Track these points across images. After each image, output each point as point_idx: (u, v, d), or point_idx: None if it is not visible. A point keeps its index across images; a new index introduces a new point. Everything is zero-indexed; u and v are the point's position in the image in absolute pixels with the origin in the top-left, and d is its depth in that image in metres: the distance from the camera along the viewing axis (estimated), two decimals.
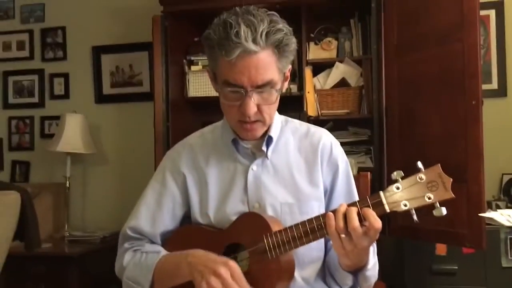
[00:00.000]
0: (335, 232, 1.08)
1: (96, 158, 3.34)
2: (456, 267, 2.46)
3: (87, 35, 3.42)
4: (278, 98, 1.24)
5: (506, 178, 2.77)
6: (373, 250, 1.21)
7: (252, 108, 1.18)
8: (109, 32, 3.38)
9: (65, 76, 3.46)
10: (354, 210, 1.08)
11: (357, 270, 1.21)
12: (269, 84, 1.17)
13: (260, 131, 1.26)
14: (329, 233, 1.10)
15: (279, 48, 1.16)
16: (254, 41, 1.12)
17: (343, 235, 1.08)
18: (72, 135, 3.09)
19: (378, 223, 1.06)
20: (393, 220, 2.35)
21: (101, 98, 3.40)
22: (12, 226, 1.96)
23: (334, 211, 1.10)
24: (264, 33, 1.13)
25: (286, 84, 1.27)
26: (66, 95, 3.46)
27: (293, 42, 1.19)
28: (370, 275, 1.23)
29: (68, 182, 3.14)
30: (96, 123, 3.36)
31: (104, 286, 2.86)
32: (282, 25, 1.17)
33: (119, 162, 3.37)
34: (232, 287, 1.11)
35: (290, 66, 1.25)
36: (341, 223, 1.07)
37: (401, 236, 2.45)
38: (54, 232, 3.13)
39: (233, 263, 1.13)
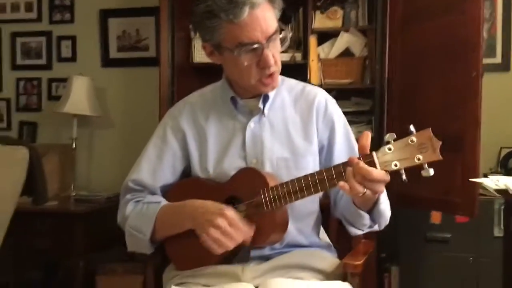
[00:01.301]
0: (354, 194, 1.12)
1: (102, 120, 3.40)
2: (449, 236, 2.54)
3: None
4: None
5: (504, 152, 2.81)
6: None
7: (272, 58, 1.25)
8: None
9: (73, 38, 3.48)
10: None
11: (372, 207, 1.26)
12: (276, 32, 1.25)
13: (278, 81, 1.33)
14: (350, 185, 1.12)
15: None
16: None
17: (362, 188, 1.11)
18: (78, 97, 3.14)
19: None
20: (390, 188, 2.40)
21: (107, 61, 3.43)
22: (21, 181, 2.02)
23: (345, 165, 1.15)
24: None
25: None
26: (73, 58, 3.49)
27: None
28: (384, 208, 1.28)
29: (74, 144, 3.20)
30: (102, 86, 3.40)
31: (108, 244, 2.97)
32: None
33: (124, 125, 3.43)
34: (230, 234, 1.18)
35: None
36: (357, 186, 1.11)
37: (397, 204, 2.50)
38: (61, 192, 3.21)
39: (229, 211, 1.20)
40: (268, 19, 1.23)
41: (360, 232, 1.36)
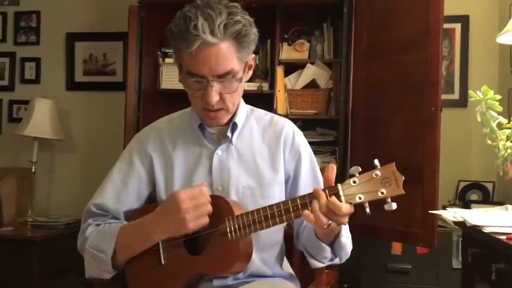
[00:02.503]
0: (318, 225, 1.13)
1: (64, 145, 3.33)
2: (410, 267, 2.58)
3: (62, 21, 3.40)
4: (241, 86, 1.30)
5: (462, 185, 2.90)
6: None
7: (213, 97, 1.23)
8: (85, 19, 3.38)
9: (37, 60, 3.44)
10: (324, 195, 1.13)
11: (334, 240, 1.26)
12: (230, 73, 1.23)
13: (224, 119, 1.32)
14: (315, 215, 1.13)
15: (238, 39, 1.21)
16: (212, 33, 1.17)
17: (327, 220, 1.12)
18: (40, 120, 3.07)
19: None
20: (353, 219, 2.42)
21: (72, 85, 3.39)
22: None
23: (310, 196, 1.15)
24: (222, 25, 1.18)
25: (250, 73, 1.33)
26: (37, 80, 3.44)
27: (252, 33, 1.24)
28: (345, 242, 1.29)
29: (34, 167, 3.12)
30: (66, 109, 3.34)
31: (65, 272, 2.87)
32: (241, 16, 1.22)
33: (87, 150, 3.37)
34: (200, 203, 1.19)
35: (252, 55, 1.30)
36: (322, 218, 1.12)
37: (360, 234, 2.53)
38: (17, 217, 3.10)
39: (179, 193, 1.19)
40: (221, 59, 1.20)
41: (320, 265, 1.36)
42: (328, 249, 1.27)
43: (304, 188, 1.35)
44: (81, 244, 1.35)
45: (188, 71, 1.23)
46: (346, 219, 1.15)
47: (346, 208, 1.11)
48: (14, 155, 3.40)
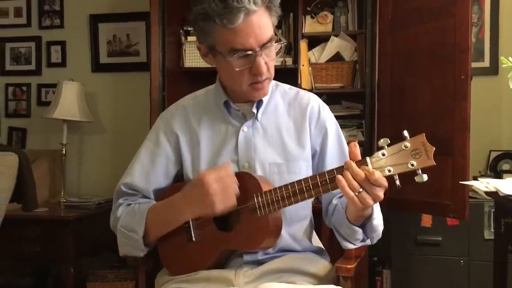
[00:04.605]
0: (350, 190, 1.11)
1: (92, 126, 3.38)
2: (440, 239, 2.55)
3: (85, 3, 3.41)
4: None
5: (493, 155, 2.84)
6: None
7: (264, 66, 1.24)
8: (107, 0, 3.38)
9: (62, 44, 3.47)
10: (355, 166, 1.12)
11: (365, 222, 1.26)
12: (271, 40, 1.24)
13: (268, 88, 1.33)
14: (345, 192, 1.12)
15: (269, 6, 1.23)
16: (254, 1, 1.18)
17: (357, 192, 1.11)
18: (68, 102, 3.12)
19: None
20: None
21: (97, 67, 3.42)
22: (10, 187, 2.00)
23: (339, 170, 1.15)
24: None
25: None
26: (63, 63, 3.47)
27: None
28: (377, 224, 1.28)
29: (64, 149, 3.18)
30: (93, 91, 3.38)
31: (98, 250, 2.95)
32: None
33: (115, 131, 3.41)
34: (227, 184, 1.22)
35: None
36: (353, 181, 1.11)
37: (389, 208, 2.51)
38: (50, 198, 3.18)
39: (207, 175, 1.21)
40: (264, 27, 1.21)
41: (352, 246, 1.34)
42: (359, 231, 1.27)
43: (331, 163, 1.34)
44: (113, 223, 1.38)
45: (231, 49, 1.22)
46: (382, 193, 1.13)
47: (378, 174, 1.09)
48: (45, 138, 3.47)
